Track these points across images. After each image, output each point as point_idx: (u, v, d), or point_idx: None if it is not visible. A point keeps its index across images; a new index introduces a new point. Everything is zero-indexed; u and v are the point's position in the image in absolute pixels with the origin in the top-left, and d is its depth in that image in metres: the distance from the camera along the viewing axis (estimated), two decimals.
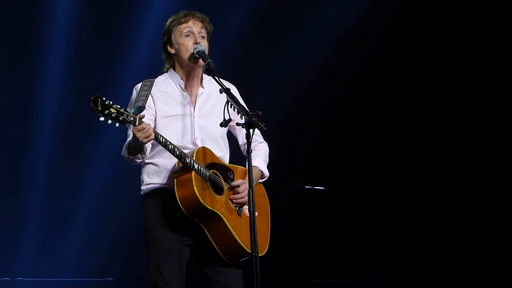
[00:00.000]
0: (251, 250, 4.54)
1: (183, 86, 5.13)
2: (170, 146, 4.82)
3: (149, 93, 4.98)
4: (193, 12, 5.18)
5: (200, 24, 5.15)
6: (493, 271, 8.86)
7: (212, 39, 5.31)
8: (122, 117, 4.60)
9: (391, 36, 9.37)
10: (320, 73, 9.43)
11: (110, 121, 4.60)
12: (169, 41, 5.15)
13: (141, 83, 5.10)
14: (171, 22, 5.17)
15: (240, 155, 5.26)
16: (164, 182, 4.99)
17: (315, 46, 9.48)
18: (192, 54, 5.06)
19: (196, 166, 4.87)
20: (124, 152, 4.94)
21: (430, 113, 9.36)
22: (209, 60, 4.98)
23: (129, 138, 4.88)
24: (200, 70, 5.16)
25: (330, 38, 9.44)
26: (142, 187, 5.08)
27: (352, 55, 9.41)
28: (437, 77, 9.39)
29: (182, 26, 5.13)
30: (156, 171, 5.03)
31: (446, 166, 9.26)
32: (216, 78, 4.91)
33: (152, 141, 4.79)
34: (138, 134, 4.66)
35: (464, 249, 8.93)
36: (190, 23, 5.14)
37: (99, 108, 4.53)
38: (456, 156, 9.23)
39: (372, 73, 9.38)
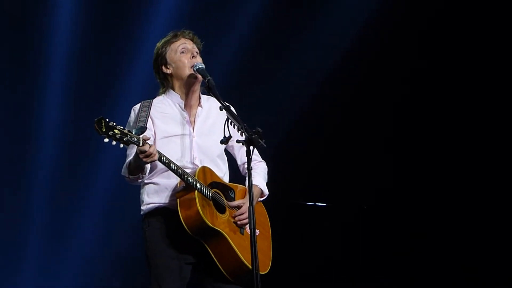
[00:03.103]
0: (252, 266, 4.53)
1: (182, 105, 5.14)
2: (172, 165, 4.83)
3: (149, 114, 4.99)
4: (182, 31, 5.23)
5: (191, 42, 5.20)
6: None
7: (212, 55, 5.34)
8: (126, 138, 4.61)
9: (397, 43, 9.35)
10: (320, 91, 9.44)
11: (114, 142, 4.60)
12: (163, 62, 5.16)
13: (139, 104, 5.11)
14: (162, 45, 5.20)
15: (239, 175, 5.27)
16: (165, 201, 5.00)
17: (316, 63, 9.49)
18: (192, 74, 5.08)
19: (198, 185, 4.87)
20: (124, 171, 4.95)
21: (431, 130, 9.35)
22: (209, 78, 4.99)
23: (130, 158, 4.90)
24: (199, 87, 5.17)
25: (330, 53, 9.46)
26: (142, 207, 5.09)
27: (351, 73, 9.42)
28: (439, 96, 9.37)
29: (175, 44, 5.16)
30: (156, 190, 5.03)
31: (449, 183, 9.24)
32: (217, 95, 4.92)
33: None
34: (142, 155, 4.67)
35: (468, 269, 8.92)
36: (182, 40, 5.18)
37: (103, 130, 4.55)
38: (460, 174, 9.20)
39: (373, 90, 9.38)
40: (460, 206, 9.09)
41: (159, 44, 5.23)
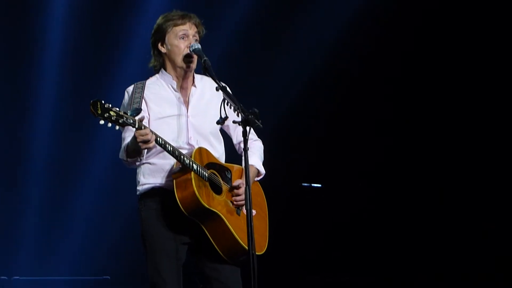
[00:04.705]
0: (248, 247, 4.53)
1: (175, 86, 5.10)
2: (168, 147, 4.81)
3: (142, 96, 4.96)
4: (190, 15, 5.13)
5: (195, 28, 5.12)
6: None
7: (211, 37, 5.30)
8: (122, 120, 4.59)
9: (389, 33, 9.38)
10: (317, 73, 9.45)
11: (110, 124, 4.58)
12: (161, 40, 5.10)
13: (132, 85, 5.06)
14: (166, 21, 5.10)
15: (234, 154, 5.26)
16: (161, 182, 4.98)
17: (313, 45, 9.50)
18: (188, 53, 5.04)
19: (195, 166, 4.85)
20: (122, 155, 4.93)
21: (429, 112, 9.39)
22: (205, 58, 4.94)
23: (127, 141, 4.88)
24: (192, 71, 5.14)
25: (330, 35, 9.47)
26: (138, 188, 5.07)
27: (351, 53, 9.44)
28: (437, 74, 9.40)
29: (178, 28, 5.08)
30: (152, 171, 5.01)
31: (446, 164, 9.27)
32: (213, 76, 4.88)
33: None
34: (140, 139, 4.65)
35: (462, 246, 8.95)
36: (187, 26, 5.09)
37: (99, 112, 4.52)
38: (455, 153, 9.25)
39: (371, 70, 9.41)
40: (458, 201, 9.14)
41: (162, 19, 5.12)
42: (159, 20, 5.14)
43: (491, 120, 9.19)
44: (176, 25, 5.09)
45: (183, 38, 5.08)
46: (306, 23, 9.53)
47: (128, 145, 4.85)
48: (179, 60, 5.06)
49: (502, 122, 9.17)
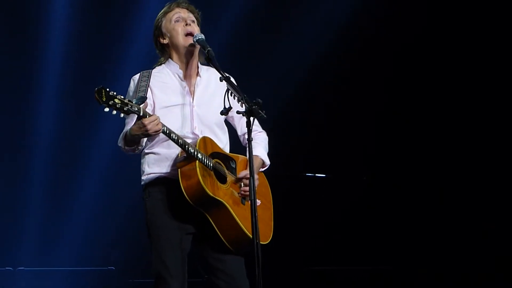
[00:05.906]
0: (252, 236, 4.51)
1: (181, 75, 5.12)
2: (173, 135, 4.82)
3: (148, 84, 4.97)
4: (178, 1, 5.22)
5: (186, 10, 5.18)
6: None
7: (212, 27, 5.32)
8: (127, 107, 4.60)
9: (392, 22, 9.38)
10: (320, 62, 9.44)
11: (114, 112, 4.59)
12: (160, 33, 5.17)
13: (139, 74, 5.08)
14: (158, 17, 5.21)
15: (239, 145, 5.26)
16: (165, 171, 4.99)
17: (315, 35, 9.49)
18: (192, 43, 5.06)
19: (199, 155, 4.86)
20: (120, 142, 4.95)
21: (431, 109, 9.41)
22: (209, 48, 4.95)
23: (126, 128, 4.89)
24: (197, 55, 5.15)
25: (332, 24, 9.47)
26: (142, 177, 5.08)
27: (352, 43, 9.43)
28: (442, 67, 9.44)
29: (170, 14, 5.16)
30: (156, 160, 5.01)
31: (446, 154, 9.28)
32: (217, 66, 4.89)
33: None
34: (149, 126, 4.67)
35: (462, 245, 8.96)
36: (177, 10, 5.17)
37: (104, 99, 4.52)
38: (455, 144, 9.26)
39: (373, 60, 9.40)
40: (460, 191, 9.17)
41: (157, 17, 5.23)
42: (155, 20, 5.23)
43: (491, 119, 9.20)
44: (166, 13, 5.18)
45: (178, 20, 5.13)
46: (313, 6, 9.55)
47: (127, 133, 4.86)
48: (181, 40, 5.10)
49: (502, 122, 9.17)
